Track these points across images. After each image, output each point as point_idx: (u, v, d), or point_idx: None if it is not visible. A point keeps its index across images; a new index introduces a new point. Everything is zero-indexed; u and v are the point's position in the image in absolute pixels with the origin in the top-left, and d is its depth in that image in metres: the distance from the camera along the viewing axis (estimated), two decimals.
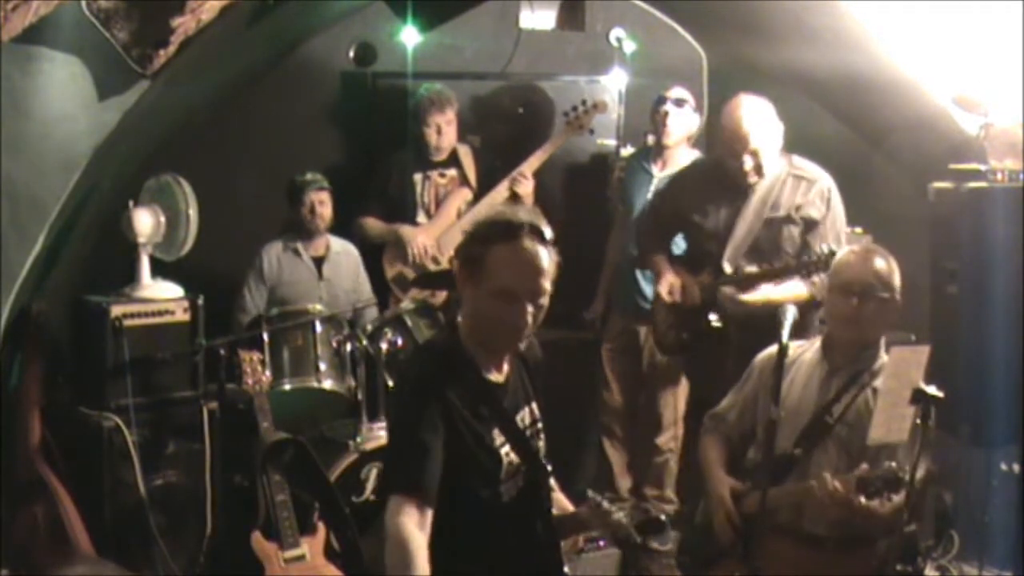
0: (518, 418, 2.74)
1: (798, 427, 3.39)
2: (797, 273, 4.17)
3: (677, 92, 5.07)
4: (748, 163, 4.24)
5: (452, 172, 5.27)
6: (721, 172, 4.38)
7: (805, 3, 4.60)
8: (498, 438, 2.66)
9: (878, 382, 3.38)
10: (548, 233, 2.61)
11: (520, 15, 5.64)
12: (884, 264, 3.45)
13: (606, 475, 5.27)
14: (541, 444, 2.82)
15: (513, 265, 2.56)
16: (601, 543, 4.17)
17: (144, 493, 4.13)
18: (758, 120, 4.22)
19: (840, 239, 4.22)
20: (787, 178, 4.29)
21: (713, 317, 4.32)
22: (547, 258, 2.59)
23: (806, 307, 4.08)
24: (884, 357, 3.48)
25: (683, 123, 5.06)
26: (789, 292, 4.12)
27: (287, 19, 4.77)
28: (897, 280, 3.45)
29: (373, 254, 5.23)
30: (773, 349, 3.63)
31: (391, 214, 5.26)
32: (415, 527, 2.46)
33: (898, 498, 3.17)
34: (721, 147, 4.36)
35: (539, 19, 5.68)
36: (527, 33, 5.68)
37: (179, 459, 4.27)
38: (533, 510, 2.75)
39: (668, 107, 5.01)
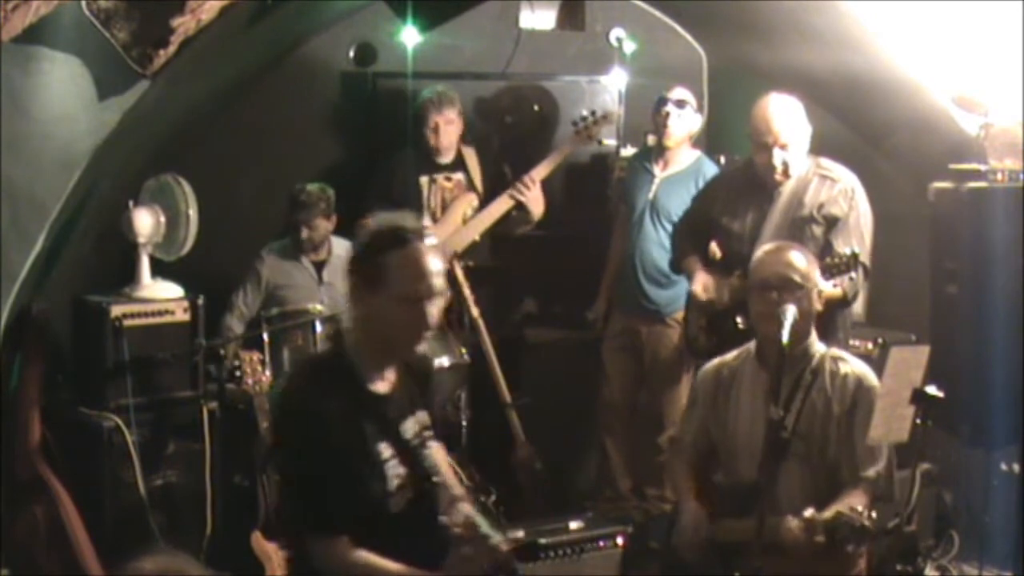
0: (403, 428, 2.75)
1: (756, 451, 3.33)
2: (821, 275, 4.15)
3: (678, 93, 5.06)
4: (777, 159, 4.19)
5: (458, 176, 5.24)
6: (750, 174, 4.36)
7: (805, 3, 4.60)
8: (385, 451, 2.68)
9: (823, 380, 3.39)
10: (432, 239, 2.71)
11: (520, 15, 5.63)
12: (800, 257, 3.46)
13: (607, 474, 5.28)
14: (430, 452, 2.80)
15: (411, 269, 2.64)
16: (601, 543, 4.13)
17: (144, 493, 4.14)
18: (788, 117, 4.19)
19: (864, 240, 4.16)
20: (812, 178, 4.24)
21: (739, 320, 4.29)
22: (438, 260, 2.68)
23: (838, 307, 4.05)
24: (821, 349, 3.48)
25: (684, 124, 5.06)
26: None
27: (287, 19, 4.76)
28: (815, 272, 3.46)
29: None
30: (711, 365, 3.66)
31: None
32: (351, 551, 2.59)
33: (863, 500, 3.17)
34: (751, 144, 4.31)
35: (539, 19, 5.67)
36: (527, 33, 5.67)
37: (179, 459, 4.28)
38: (422, 521, 2.75)
39: (669, 108, 5.01)
